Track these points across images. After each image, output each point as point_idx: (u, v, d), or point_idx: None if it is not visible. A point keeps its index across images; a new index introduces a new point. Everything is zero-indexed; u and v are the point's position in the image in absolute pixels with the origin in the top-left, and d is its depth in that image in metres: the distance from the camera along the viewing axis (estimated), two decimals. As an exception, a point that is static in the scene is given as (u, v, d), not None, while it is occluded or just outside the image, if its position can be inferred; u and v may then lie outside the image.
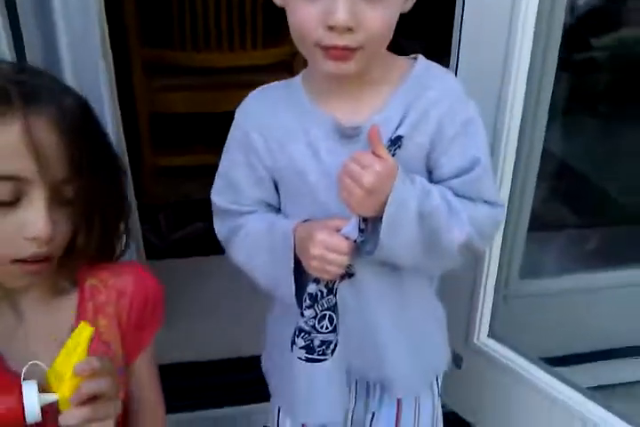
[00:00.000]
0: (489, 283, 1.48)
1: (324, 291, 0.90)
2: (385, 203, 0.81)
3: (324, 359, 0.93)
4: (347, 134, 0.88)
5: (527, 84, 1.33)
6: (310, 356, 0.93)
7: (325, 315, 0.91)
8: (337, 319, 0.92)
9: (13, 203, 0.70)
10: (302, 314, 0.91)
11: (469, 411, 1.59)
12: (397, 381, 1.01)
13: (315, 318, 0.91)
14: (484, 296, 1.47)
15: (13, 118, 0.68)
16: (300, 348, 0.93)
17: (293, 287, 0.90)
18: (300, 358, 0.94)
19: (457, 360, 1.54)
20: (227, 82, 2.59)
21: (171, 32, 2.51)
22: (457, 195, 0.89)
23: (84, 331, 0.70)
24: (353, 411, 1.07)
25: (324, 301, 0.90)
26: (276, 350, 1.05)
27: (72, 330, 0.73)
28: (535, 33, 1.29)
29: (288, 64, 2.58)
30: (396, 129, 0.87)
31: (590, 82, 2.07)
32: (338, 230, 0.85)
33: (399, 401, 1.06)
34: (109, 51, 1.38)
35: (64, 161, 0.71)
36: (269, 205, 0.97)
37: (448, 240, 0.87)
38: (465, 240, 0.88)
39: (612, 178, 2.09)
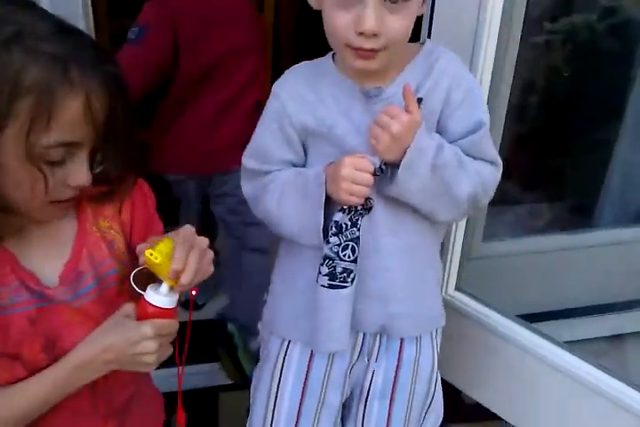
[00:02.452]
0: (456, 244, 1.60)
1: (349, 223, 1.01)
2: (406, 151, 0.96)
3: (345, 286, 1.03)
4: (370, 94, 1.03)
5: (492, 75, 1.44)
6: (332, 282, 1.02)
7: (349, 245, 1.01)
8: (358, 252, 1.02)
9: (62, 161, 0.77)
10: (328, 241, 1.02)
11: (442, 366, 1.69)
12: (401, 320, 1.12)
13: (339, 245, 1.01)
14: (451, 256, 1.59)
15: (76, 95, 0.73)
16: (324, 275, 1.03)
17: (322, 218, 1.01)
18: (323, 286, 1.03)
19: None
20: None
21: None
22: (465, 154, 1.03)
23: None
24: (354, 364, 1.17)
25: (347, 232, 1.01)
26: (287, 293, 1.16)
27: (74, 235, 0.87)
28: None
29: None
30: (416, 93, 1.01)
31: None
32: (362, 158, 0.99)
33: (402, 344, 1.16)
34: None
35: (104, 122, 0.78)
36: (295, 166, 1.10)
37: (457, 191, 1.01)
38: (472, 193, 1.03)
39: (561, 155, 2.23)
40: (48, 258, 0.86)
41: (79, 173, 0.78)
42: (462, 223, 1.59)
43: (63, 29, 0.75)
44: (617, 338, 1.91)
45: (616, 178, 2.11)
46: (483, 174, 1.04)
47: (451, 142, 1.03)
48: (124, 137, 0.81)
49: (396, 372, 1.17)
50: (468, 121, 1.04)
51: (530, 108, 2.14)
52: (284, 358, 1.17)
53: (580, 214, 2.17)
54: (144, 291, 0.82)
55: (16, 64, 0.70)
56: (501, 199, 1.92)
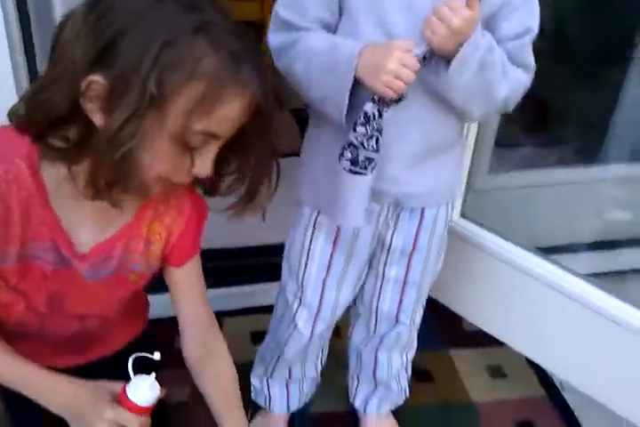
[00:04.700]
0: (462, 174, 1.59)
1: (376, 114, 1.02)
2: (458, 46, 0.97)
3: (365, 174, 1.05)
4: None
5: None
6: (353, 168, 1.05)
7: (374, 135, 1.03)
8: (380, 142, 1.04)
9: (195, 148, 0.80)
10: (355, 129, 1.03)
11: (445, 294, 1.70)
12: (415, 198, 1.18)
13: (364, 135, 1.02)
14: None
15: (241, 94, 0.76)
16: (347, 160, 1.05)
17: (346, 104, 1.02)
18: (344, 169, 1.05)
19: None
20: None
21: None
22: (508, 58, 1.05)
23: None
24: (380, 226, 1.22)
25: (374, 122, 1.02)
26: (319, 165, 1.18)
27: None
28: None
29: (258, 25, 2.62)
30: None
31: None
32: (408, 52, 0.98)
33: (422, 212, 1.22)
34: None
35: (246, 124, 0.81)
36: (327, 27, 1.07)
37: (496, 92, 1.05)
38: (507, 97, 1.07)
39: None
40: (91, 228, 0.89)
41: (205, 163, 0.81)
42: (468, 153, 1.59)
43: (241, 29, 0.79)
44: (623, 274, 1.90)
45: (621, 116, 2.08)
46: (519, 81, 1.08)
47: (499, 42, 1.04)
48: (254, 144, 0.84)
49: (417, 231, 1.23)
50: (521, 25, 1.06)
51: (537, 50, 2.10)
52: (315, 221, 1.23)
53: (587, 153, 2.14)
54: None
55: (199, 51, 0.72)
56: (506, 141, 1.92)
